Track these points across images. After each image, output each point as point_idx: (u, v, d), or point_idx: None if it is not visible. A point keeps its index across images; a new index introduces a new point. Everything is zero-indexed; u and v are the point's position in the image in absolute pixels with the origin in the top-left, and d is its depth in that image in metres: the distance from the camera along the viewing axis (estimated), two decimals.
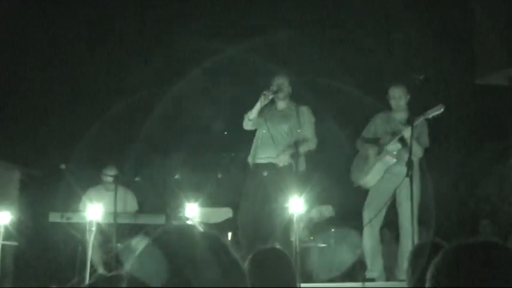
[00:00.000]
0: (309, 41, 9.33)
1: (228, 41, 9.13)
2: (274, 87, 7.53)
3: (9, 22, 8.96)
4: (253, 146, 7.71)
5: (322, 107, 8.68)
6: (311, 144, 7.59)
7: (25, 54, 9.40)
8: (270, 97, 7.47)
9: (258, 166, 7.62)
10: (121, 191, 8.33)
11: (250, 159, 7.68)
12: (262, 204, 7.42)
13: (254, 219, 7.46)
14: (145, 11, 9.33)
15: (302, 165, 7.40)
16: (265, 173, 7.47)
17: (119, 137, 9.33)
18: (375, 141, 7.56)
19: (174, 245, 1.56)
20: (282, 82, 7.61)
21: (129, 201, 8.66)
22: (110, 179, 8.47)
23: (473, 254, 1.87)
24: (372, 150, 7.46)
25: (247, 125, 7.69)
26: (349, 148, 7.92)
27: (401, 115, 7.48)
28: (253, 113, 7.55)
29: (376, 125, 7.63)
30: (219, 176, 9.13)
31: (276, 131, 7.58)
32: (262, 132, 7.66)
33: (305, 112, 7.66)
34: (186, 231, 1.64)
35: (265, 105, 7.62)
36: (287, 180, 7.22)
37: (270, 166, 7.52)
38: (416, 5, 9.31)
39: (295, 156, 7.31)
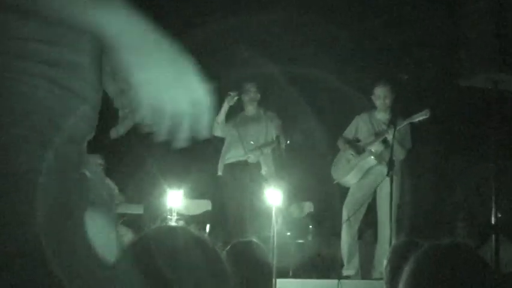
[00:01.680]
0: (291, 33, 9.31)
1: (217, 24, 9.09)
2: (240, 90, 7.78)
3: None
4: (222, 153, 7.93)
5: (305, 103, 8.69)
6: (281, 146, 7.77)
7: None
8: (235, 98, 7.67)
9: (229, 166, 7.83)
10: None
11: (219, 166, 7.90)
12: (239, 200, 7.55)
13: (228, 213, 7.61)
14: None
15: (271, 166, 7.58)
16: (239, 172, 7.62)
17: (102, 124, 9.25)
18: (357, 142, 7.58)
19: (164, 245, 1.54)
20: (248, 88, 7.83)
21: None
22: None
23: (442, 256, 1.86)
24: (350, 153, 7.49)
25: (216, 130, 7.84)
26: (331, 145, 7.93)
27: (384, 115, 7.50)
28: (220, 116, 7.75)
29: (359, 125, 7.64)
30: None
31: (244, 132, 7.79)
32: (230, 137, 7.86)
33: (273, 117, 7.88)
34: (178, 233, 1.62)
35: (235, 112, 7.90)
36: (256, 176, 7.56)
37: (241, 164, 7.71)
38: (402, 6, 9.31)
39: (263, 156, 7.67)
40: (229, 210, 7.70)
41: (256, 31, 9.12)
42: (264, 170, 7.66)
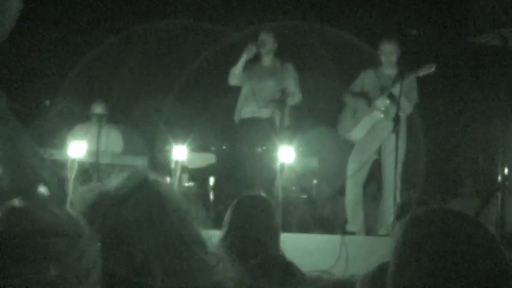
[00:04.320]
0: None
1: None
2: (258, 42, 7.63)
3: None
4: (238, 103, 7.83)
5: (312, 58, 8.63)
6: (296, 99, 7.70)
7: None
8: (254, 51, 7.57)
9: (243, 121, 7.78)
10: (105, 129, 8.25)
11: (235, 117, 7.79)
12: (247, 154, 7.53)
13: (239, 167, 7.61)
14: None
15: (286, 121, 7.49)
16: (252, 128, 7.59)
17: (110, 73, 9.19)
18: (363, 95, 7.53)
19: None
20: (265, 38, 7.70)
21: (112, 141, 8.55)
22: (95, 117, 8.32)
23: (434, 222, 1.79)
24: (361, 102, 7.43)
25: (233, 80, 7.81)
26: (337, 101, 7.88)
27: (391, 70, 7.44)
28: (238, 68, 7.67)
29: (365, 80, 7.58)
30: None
31: (259, 86, 7.69)
32: (246, 89, 7.78)
33: (290, 68, 7.76)
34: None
35: (251, 62, 7.77)
36: (269, 133, 7.39)
37: (254, 120, 7.66)
38: None
39: (279, 109, 7.43)
40: (240, 166, 7.68)
41: None
42: (278, 125, 7.60)
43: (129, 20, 9.09)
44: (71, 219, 1.42)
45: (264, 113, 7.59)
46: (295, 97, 7.66)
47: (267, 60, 7.80)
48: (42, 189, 1.53)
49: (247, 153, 7.60)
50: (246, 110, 7.73)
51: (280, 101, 7.38)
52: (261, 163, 7.38)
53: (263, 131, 7.53)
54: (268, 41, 7.69)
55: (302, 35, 8.57)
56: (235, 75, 7.70)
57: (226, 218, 3.28)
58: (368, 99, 7.41)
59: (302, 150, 8.03)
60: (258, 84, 7.68)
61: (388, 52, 7.38)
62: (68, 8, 9.44)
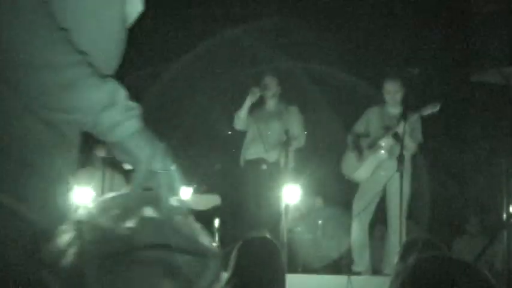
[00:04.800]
0: (304, 29, 9.28)
1: (232, 28, 9.08)
2: (261, 86, 7.66)
3: None
4: (244, 146, 7.82)
5: (315, 98, 8.66)
6: (300, 142, 7.71)
7: None
8: (258, 94, 7.56)
9: (249, 162, 7.76)
10: (109, 172, 8.25)
11: (241, 160, 7.79)
12: (253, 195, 7.51)
13: (244, 208, 7.57)
14: None
15: (291, 163, 7.47)
16: (264, 166, 7.56)
17: None
18: (367, 136, 7.53)
19: None
20: (268, 82, 7.70)
21: (118, 185, 8.56)
22: (99, 160, 8.33)
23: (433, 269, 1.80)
24: (366, 142, 7.43)
25: (238, 124, 7.83)
26: (341, 140, 7.89)
27: (395, 109, 7.44)
28: (242, 111, 7.67)
29: (369, 119, 7.58)
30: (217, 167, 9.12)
31: (265, 128, 7.70)
32: (251, 131, 7.78)
33: (294, 112, 7.77)
34: None
35: (256, 106, 7.80)
36: (275, 175, 7.38)
37: (260, 161, 7.65)
38: (415, 0, 9.29)
39: (284, 153, 7.41)
40: (245, 207, 7.64)
41: (274, 30, 9.11)
42: (283, 167, 7.57)
43: (134, 64, 9.16)
44: (194, 235, 1.41)
45: (271, 155, 7.57)
46: (299, 140, 7.66)
47: (272, 104, 7.80)
48: (173, 201, 1.51)
49: (253, 194, 7.57)
50: (252, 151, 7.71)
51: (284, 143, 7.37)
52: (266, 204, 7.35)
53: (270, 172, 7.52)
54: (271, 86, 7.68)
55: (306, 76, 8.61)
56: (241, 119, 7.70)
57: (232, 259, 3.28)
58: (372, 139, 7.43)
59: (307, 190, 8.01)
60: (264, 127, 7.66)
61: (392, 91, 7.39)
62: None
